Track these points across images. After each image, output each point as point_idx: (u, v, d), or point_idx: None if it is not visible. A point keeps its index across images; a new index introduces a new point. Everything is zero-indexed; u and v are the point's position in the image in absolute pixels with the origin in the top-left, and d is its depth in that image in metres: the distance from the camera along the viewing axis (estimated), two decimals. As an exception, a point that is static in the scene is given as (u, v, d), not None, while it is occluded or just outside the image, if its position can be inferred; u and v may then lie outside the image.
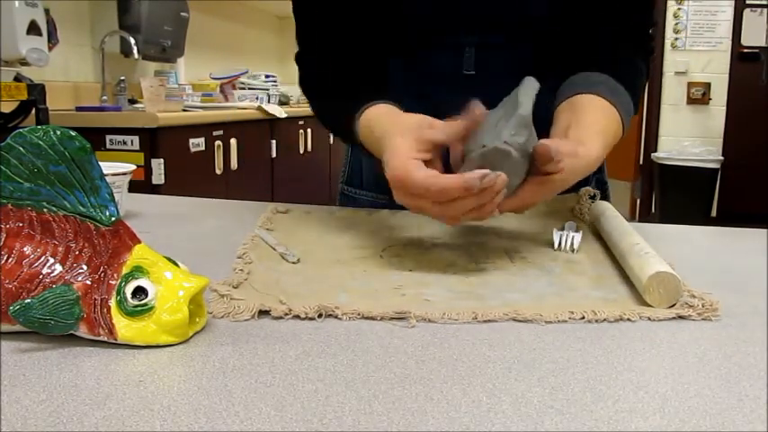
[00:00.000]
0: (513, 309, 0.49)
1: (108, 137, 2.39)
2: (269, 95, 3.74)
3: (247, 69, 3.76)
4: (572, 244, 0.67)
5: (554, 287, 0.55)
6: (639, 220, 4.49)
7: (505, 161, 0.56)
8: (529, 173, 0.60)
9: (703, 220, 4.30)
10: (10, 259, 0.42)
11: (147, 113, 2.46)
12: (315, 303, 0.48)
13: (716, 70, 4.55)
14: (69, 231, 0.44)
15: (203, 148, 2.71)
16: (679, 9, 4.53)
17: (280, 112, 3.37)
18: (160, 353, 0.41)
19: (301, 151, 3.80)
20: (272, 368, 0.39)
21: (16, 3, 2.07)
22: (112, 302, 0.42)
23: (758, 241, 0.74)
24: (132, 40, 2.81)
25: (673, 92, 4.64)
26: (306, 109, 3.84)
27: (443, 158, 0.63)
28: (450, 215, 0.58)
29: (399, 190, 0.59)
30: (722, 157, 4.46)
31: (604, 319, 0.48)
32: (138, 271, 0.43)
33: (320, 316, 0.48)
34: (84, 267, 0.43)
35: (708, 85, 4.57)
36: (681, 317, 0.49)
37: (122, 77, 2.89)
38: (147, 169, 2.36)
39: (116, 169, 0.81)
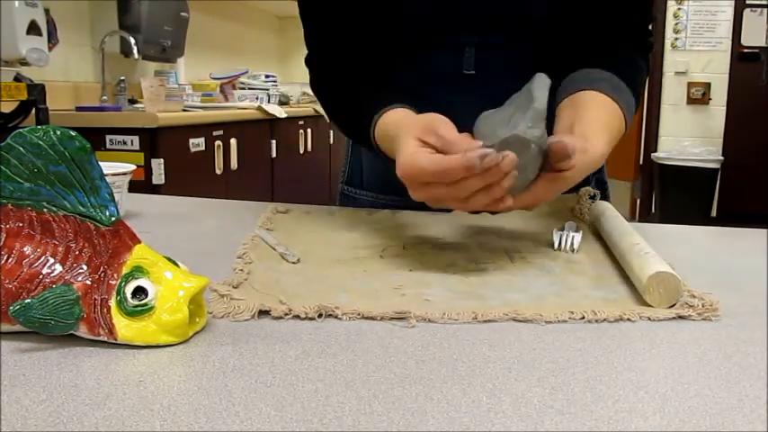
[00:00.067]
0: (513, 309, 0.49)
1: (108, 137, 2.39)
2: (269, 95, 3.74)
3: (247, 69, 3.76)
4: (572, 244, 0.67)
5: (554, 287, 0.55)
6: (639, 220, 4.49)
7: (522, 152, 0.56)
8: (541, 169, 0.60)
9: (703, 220, 4.30)
10: (10, 259, 0.42)
11: (147, 113, 2.46)
12: (315, 303, 0.48)
13: (716, 70, 4.55)
14: (69, 231, 0.44)
15: (203, 148, 2.71)
16: (679, 9, 4.54)
17: (280, 112, 3.37)
18: (160, 353, 0.41)
19: (301, 151, 3.80)
20: (272, 368, 0.39)
21: (16, 3, 2.07)
22: (112, 302, 0.42)
23: (758, 241, 0.74)
24: (132, 40, 2.81)
25: (673, 92, 4.64)
26: (306, 109, 3.85)
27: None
28: (460, 197, 0.56)
29: (412, 183, 0.59)
30: (722, 157, 4.46)
31: (604, 319, 0.48)
32: (138, 271, 0.43)
33: (320, 316, 0.48)
34: (84, 267, 0.43)
35: (708, 85, 4.57)
36: (681, 317, 0.49)
37: (122, 77, 2.89)
38: (147, 169, 2.36)
39: (116, 169, 0.81)
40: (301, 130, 3.79)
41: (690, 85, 4.59)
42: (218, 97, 3.38)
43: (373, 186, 0.95)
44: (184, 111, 2.85)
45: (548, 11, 0.80)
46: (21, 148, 0.43)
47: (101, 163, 0.46)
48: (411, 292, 0.53)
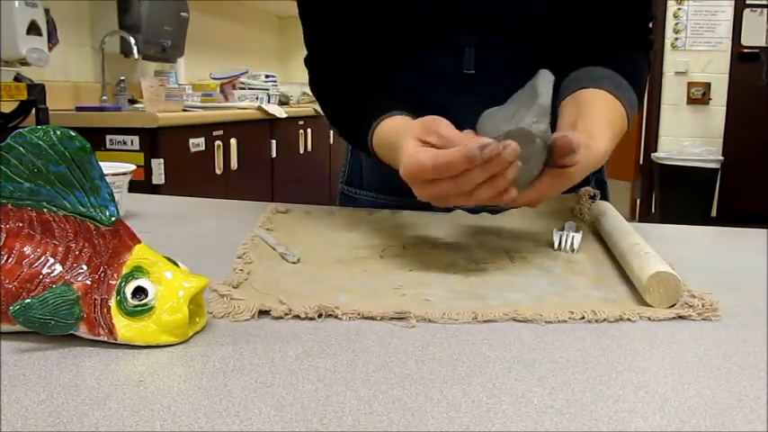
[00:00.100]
0: (513, 309, 0.49)
1: (108, 137, 2.39)
2: (269, 95, 3.74)
3: (247, 69, 3.76)
4: (572, 244, 0.67)
5: (554, 287, 0.55)
6: (639, 220, 4.49)
7: (527, 146, 0.55)
8: (545, 165, 0.60)
9: (703, 220, 4.30)
10: (10, 259, 0.42)
11: (147, 113, 2.46)
12: (315, 303, 0.48)
13: (716, 70, 4.55)
14: (69, 231, 0.44)
15: (203, 148, 2.71)
16: (679, 9, 4.54)
17: (280, 112, 3.37)
18: (160, 353, 0.41)
19: (301, 151, 3.80)
20: (272, 368, 0.39)
21: (16, 3, 2.07)
22: (112, 302, 0.42)
23: (758, 241, 0.74)
24: (132, 40, 2.81)
25: (673, 92, 4.64)
26: (306, 109, 3.85)
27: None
28: (464, 190, 0.56)
29: (415, 182, 0.58)
30: (722, 157, 4.46)
31: (604, 319, 0.48)
32: (138, 271, 0.43)
33: (320, 316, 0.48)
34: (84, 267, 0.43)
35: (708, 85, 4.57)
36: (681, 317, 0.49)
37: (122, 77, 2.89)
38: (147, 169, 2.36)
39: (116, 169, 0.81)
40: (301, 130, 3.79)
41: (690, 85, 4.59)
42: (218, 97, 3.38)
43: (373, 186, 0.95)
44: (184, 111, 2.85)
45: (548, 11, 0.80)
46: (21, 148, 0.43)
47: (101, 163, 0.46)
48: (411, 292, 0.53)
